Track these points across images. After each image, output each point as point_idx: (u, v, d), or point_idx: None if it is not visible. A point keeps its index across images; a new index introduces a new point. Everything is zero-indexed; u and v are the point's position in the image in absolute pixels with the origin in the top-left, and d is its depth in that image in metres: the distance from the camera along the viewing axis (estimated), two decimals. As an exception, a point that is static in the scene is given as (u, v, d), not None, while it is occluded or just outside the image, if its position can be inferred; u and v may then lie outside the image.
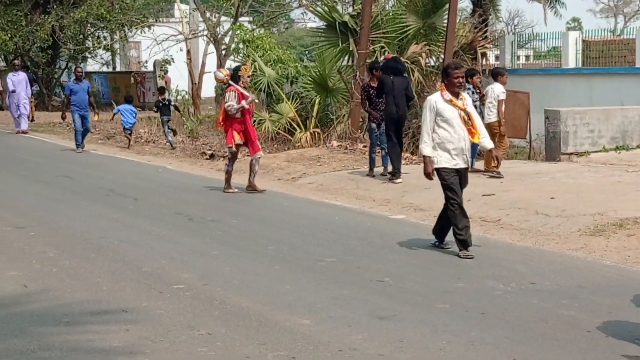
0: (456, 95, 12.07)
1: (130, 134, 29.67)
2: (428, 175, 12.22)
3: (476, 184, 17.51)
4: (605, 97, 27.32)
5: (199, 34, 37.78)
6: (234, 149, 18.61)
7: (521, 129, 24.02)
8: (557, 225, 14.25)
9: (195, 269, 11.59)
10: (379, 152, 20.51)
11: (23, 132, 32.88)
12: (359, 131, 25.10)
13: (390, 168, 19.51)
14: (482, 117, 18.11)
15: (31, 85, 35.78)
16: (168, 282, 10.83)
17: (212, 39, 35.68)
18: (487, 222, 14.95)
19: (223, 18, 36.43)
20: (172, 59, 40.11)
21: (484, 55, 28.75)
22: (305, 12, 36.97)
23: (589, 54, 34.84)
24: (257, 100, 19.94)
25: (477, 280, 10.99)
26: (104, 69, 52.04)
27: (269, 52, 29.77)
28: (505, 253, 12.78)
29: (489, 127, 17.29)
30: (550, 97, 27.30)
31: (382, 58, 20.95)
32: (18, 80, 33.82)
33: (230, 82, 18.40)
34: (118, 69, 53.49)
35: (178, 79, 42.66)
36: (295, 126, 26.15)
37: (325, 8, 29.44)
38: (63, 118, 29.95)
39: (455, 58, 25.33)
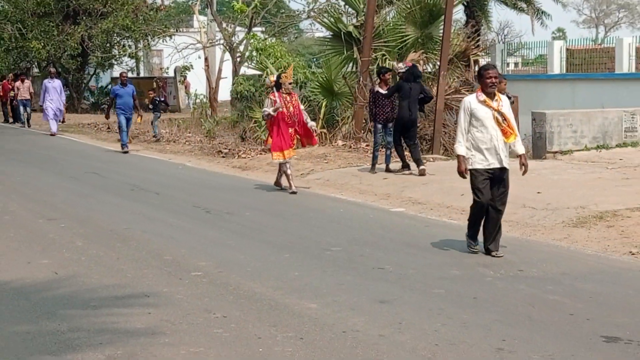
0: (491, 96, 11.36)
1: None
2: (462, 174, 11.53)
3: (468, 181, 17.51)
4: (587, 100, 27.32)
5: (216, 43, 37.73)
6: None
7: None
8: (543, 218, 14.23)
9: (211, 257, 11.59)
10: (382, 151, 20.50)
11: (52, 134, 32.65)
12: (362, 131, 25.10)
13: (392, 165, 19.71)
14: None
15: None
16: (187, 269, 10.84)
17: (228, 48, 35.62)
18: (479, 215, 14.94)
19: (238, 28, 36.40)
20: (192, 65, 40.18)
21: (476, 62, 28.69)
22: (313, 22, 36.91)
23: (572, 61, 34.81)
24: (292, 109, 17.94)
25: (470, 268, 10.98)
26: (129, 74, 51.89)
27: (280, 59, 29.73)
28: (496, 243, 12.77)
29: None
30: (537, 101, 27.27)
31: (401, 64, 20.76)
32: (53, 87, 33.54)
33: (274, 89, 17.95)
34: (142, 74, 53.52)
35: (197, 84, 42.76)
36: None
37: (332, 19, 29.45)
38: (107, 118, 29.61)
39: (450, 65, 25.33)
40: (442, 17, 25.34)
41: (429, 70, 27.14)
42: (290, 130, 17.64)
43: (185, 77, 44.20)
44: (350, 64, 27.76)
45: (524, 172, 11.63)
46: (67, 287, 10.02)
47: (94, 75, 50.22)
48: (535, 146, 21.72)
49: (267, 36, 35.30)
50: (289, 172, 17.77)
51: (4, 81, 41.00)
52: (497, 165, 11.35)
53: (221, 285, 10.04)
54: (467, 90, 28.12)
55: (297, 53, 33.65)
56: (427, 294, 9.66)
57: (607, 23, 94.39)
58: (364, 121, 25.34)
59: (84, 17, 44.00)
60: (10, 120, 40.18)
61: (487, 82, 11.27)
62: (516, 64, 48.58)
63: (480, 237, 11.79)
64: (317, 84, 27.31)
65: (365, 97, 25.05)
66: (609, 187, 16.13)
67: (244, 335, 8.02)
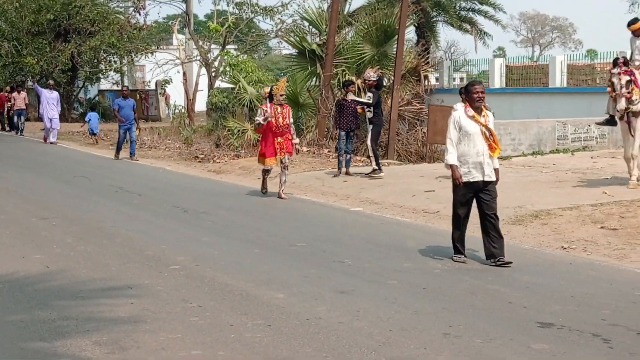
0: (478, 111, 10.72)
1: (95, 135, 33.16)
2: (456, 180, 10.66)
3: (419, 182, 17.58)
4: (524, 111, 27.47)
5: (193, 59, 37.69)
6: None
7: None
8: (485, 216, 14.29)
9: (188, 252, 11.54)
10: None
11: (52, 143, 31.93)
12: (325, 139, 25.12)
13: (349, 169, 19.65)
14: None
15: None
16: (166, 263, 10.78)
17: (204, 63, 35.57)
18: (428, 214, 14.98)
19: (213, 46, 36.37)
20: (171, 79, 40.10)
21: (426, 77, 28.87)
22: (280, 41, 36.83)
23: (511, 76, 35.02)
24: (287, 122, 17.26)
25: (421, 261, 11.00)
26: (115, 87, 51.86)
27: (250, 74, 29.73)
28: (443, 239, 12.75)
29: None
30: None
31: (373, 73, 20.46)
32: (52, 98, 33.06)
33: (266, 99, 17.38)
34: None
35: (176, 96, 42.70)
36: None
37: (297, 38, 29.50)
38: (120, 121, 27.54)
39: (402, 80, 25.44)
40: (396, 36, 25.45)
41: (384, 84, 27.20)
42: (279, 139, 16.97)
43: (165, 90, 44.08)
44: (314, 79, 27.81)
45: (495, 184, 11.10)
46: (58, 279, 9.95)
47: (83, 88, 50.01)
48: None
49: (239, 53, 35.30)
50: (267, 177, 17.48)
51: (1, 93, 40.72)
52: (481, 179, 10.70)
53: (197, 277, 10.00)
54: (418, 102, 28.28)
55: (267, 68, 33.69)
56: (382, 284, 9.66)
57: (542, 43, 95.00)
58: (326, 129, 25.37)
59: (74, 36, 43.85)
60: (7, 128, 39.81)
61: (474, 97, 10.70)
62: (461, 79, 48.73)
63: (473, 245, 11.34)
64: (285, 95, 27.26)
65: (327, 108, 25.12)
66: (544, 189, 16.23)
67: (218, 323, 8.00)
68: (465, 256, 10.99)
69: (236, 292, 9.26)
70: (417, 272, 10.37)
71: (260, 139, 17.68)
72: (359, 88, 23.80)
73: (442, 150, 24.43)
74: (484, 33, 40.20)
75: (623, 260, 11.09)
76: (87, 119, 34.31)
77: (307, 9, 30.75)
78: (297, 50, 29.19)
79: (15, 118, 37.70)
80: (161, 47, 43.90)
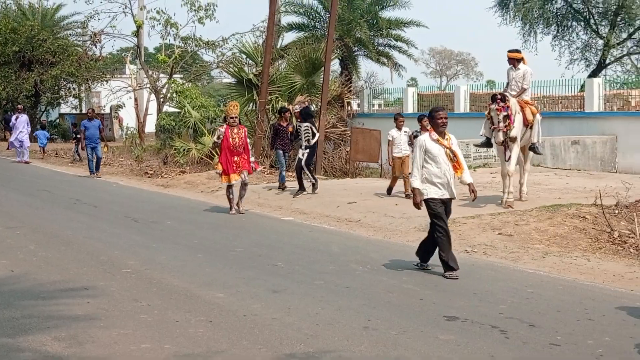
0: (442, 135, 10.28)
1: (43, 150, 33.81)
2: (417, 205, 10.41)
3: (343, 195, 17.63)
4: (434, 133, 27.69)
5: (144, 87, 37.30)
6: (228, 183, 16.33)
7: (374, 155, 24.29)
8: (400, 224, 14.39)
9: (139, 257, 11.43)
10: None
11: (26, 162, 30.86)
12: (260, 157, 25.08)
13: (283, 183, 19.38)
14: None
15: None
16: (119, 267, 10.66)
17: (153, 90, 35.28)
18: (351, 222, 15.03)
19: (161, 75, 36.09)
20: (124, 104, 39.86)
21: (349, 103, 29.11)
22: (221, 71, 36.76)
23: (422, 103, 35.35)
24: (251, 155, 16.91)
25: (344, 264, 11.03)
26: (73, 111, 51.31)
27: (195, 100, 29.59)
28: (364, 244, 12.85)
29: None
30: (395, 134, 27.56)
31: (297, 106, 20.43)
32: (20, 121, 31.88)
33: (224, 121, 16.88)
34: (84, 111, 52.67)
35: (128, 119, 42.33)
36: (214, 153, 26.03)
37: (236, 69, 29.49)
38: (83, 149, 27.26)
39: (328, 106, 25.55)
40: (322, 68, 25.59)
41: (313, 109, 27.29)
42: (236, 158, 16.08)
43: (119, 114, 43.74)
44: (251, 104, 27.80)
45: (474, 198, 10.83)
46: (21, 282, 9.78)
47: (45, 112, 49.38)
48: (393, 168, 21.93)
49: (184, 81, 35.10)
50: (231, 195, 16.35)
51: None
52: (448, 196, 10.33)
53: (146, 279, 9.91)
54: (342, 125, 28.43)
55: (209, 95, 33.54)
56: (310, 285, 9.67)
57: (449, 74, 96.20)
58: (262, 149, 25.36)
59: (37, 65, 43.49)
60: None
61: (438, 122, 10.28)
62: (380, 105, 49.09)
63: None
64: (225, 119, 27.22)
65: (262, 130, 25.13)
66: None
67: (165, 320, 7.93)
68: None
69: (181, 292, 9.19)
70: (340, 273, 10.40)
71: (219, 159, 16.58)
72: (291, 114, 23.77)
73: (363, 166, 24.64)
74: (399, 66, 40.52)
75: (517, 262, 11.25)
76: (34, 134, 35.04)
77: (244, 44, 30.79)
78: (236, 79, 29.18)
79: None
80: (115, 76, 43.55)
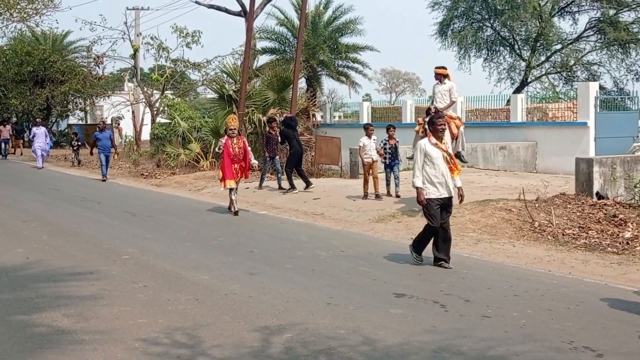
0: (440, 139, 9.84)
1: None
2: (421, 203, 9.77)
3: (309, 193, 17.62)
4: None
5: (140, 101, 37.01)
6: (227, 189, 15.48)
7: (335, 159, 24.28)
8: (357, 216, 14.43)
9: (136, 246, 11.34)
10: (270, 176, 20.45)
11: (39, 168, 29.60)
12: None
13: (281, 184, 18.86)
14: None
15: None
16: (119, 254, 10.58)
17: (148, 104, 35.05)
18: (315, 215, 15.04)
19: (155, 91, 35.84)
20: (123, 116, 39.56)
21: (314, 115, 29.03)
22: (205, 88, 36.60)
23: (375, 115, 35.38)
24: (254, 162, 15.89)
25: (310, 250, 11.03)
26: (80, 122, 50.85)
27: (183, 112, 29.44)
28: (326, 234, 12.86)
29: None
30: (353, 141, 27.43)
31: (282, 117, 20.54)
32: (39, 132, 30.94)
33: (225, 134, 15.88)
34: (89, 122, 52.19)
35: (127, 129, 41.92)
36: (200, 157, 25.91)
37: (218, 86, 29.34)
38: (91, 154, 26.08)
39: (297, 117, 25.47)
40: (291, 85, 25.55)
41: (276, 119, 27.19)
42: (236, 166, 15.26)
43: (119, 124, 43.36)
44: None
45: (461, 201, 10.22)
46: (35, 267, 9.67)
47: (55, 123, 48.89)
48: (352, 170, 21.97)
49: (174, 97, 34.86)
50: (233, 197, 15.36)
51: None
52: (446, 195, 9.77)
53: (143, 265, 9.84)
54: (308, 134, 28.39)
55: (195, 108, 33.26)
56: (281, 268, 9.66)
57: (397, 90, 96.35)
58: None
59: (48, 83, 43.20)
60: None
61: (438, 128, 9.83)
62: (340, 117, 49.11)
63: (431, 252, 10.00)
64: (209, 128, 27.08)
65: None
66: (391, 198, 16.40)
67: (158, 298, 7.88)
68: (422, 259, 10.00)
69: (172, 275, 9.14)
70: (307, 258, 10.40)
71: (220, 167, 15.60)
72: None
73: (326, 168, 24.60)
74: (356, 83, 40.51)
75: (455, 248, 11.26)
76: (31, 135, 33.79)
77: (225, 65, 30.65)
78: (218, 95, 29.01)
79: (2, 145, 36.51)
80: (115, 92, 43.31)
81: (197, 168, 25.22)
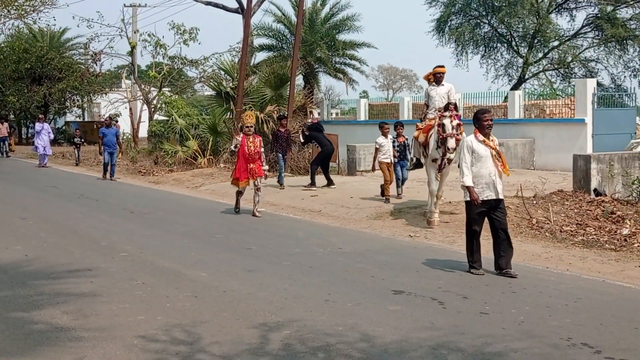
0: (487, 136, 9.14)
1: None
2: (474, 201, 8.96)
3: (295, 189, 17.62)
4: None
5: (137, 98, 37.01)
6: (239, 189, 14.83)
7: (333, 156, 24.27)
8: (354, 213, 14.43)
9: (134, 243, 11.34)
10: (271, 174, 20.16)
11: (44, 166, 28.91)
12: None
13: (282, 182, 18.56)
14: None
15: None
16: (117, 251, 10.58)
17: (145, 101, 35.01)
18: (313, 212, 15.04)
19: (152, 88, 35.80)
20: (121, 113, 39.46)
21: (311, 112, 28.93)
22: (203, 85, 36.51)
23: (372, 112, 35.41)
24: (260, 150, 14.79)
25: (308, 247, 11.04)
26: (77, 119, 50.81)
27: (180, 109, 29.40)
28: (324, 230, 12.87)
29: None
30: (350, 138, 27.59)
31: (309, 120, 20.78)
32: (43, 129, 29.86)
33: (241, 131, 15.06)
34: (86, 119, 52.14)
35: (124, 126, 41.80)
36: (198, 155, 25.89)
37: (215, 83, 29.26)
38: (101, 154, 24.91)
39: (294, 114, 25.42)
40: (289, 82, 25.51)
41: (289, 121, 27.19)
42: (251, 165, 14.47)
43: (117, 121, 43.28)
44: (228, 113, 27.59)
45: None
46: (34, 265, 9.67)
47: (53, 120, 48.82)
48: (349, 167, 22.02)
49: (172, 94, 34.82)
50: (239, 198, 14.90)
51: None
52: (494, 197, 9.02)
53: (140, 262, 9.84)
54: (306, 130, 28.35)
55: (193, 105, 33.21)
56: (279, 265, 9.66)
57: (394, 87, 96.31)
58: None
59: (46, 80, 43.15)
60: None
61: (484, 124, 9.11)
62: (337, 114, 49.10)
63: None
64: (206, 126, 27.06)
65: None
66: (382, 190, 16.42)
67: (156, 295, 7.89)
68: (482, 268, 9.20)
69: (170, 272, 9.14)
70: (305, 255, 10.41)
71: (235, 165, 15.08)
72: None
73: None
74: (353, 80, 40.52)
75: (453, 245, 11.34)
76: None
77: (222, 62, 30.64)
78: (215, 92, 28.96)
79: (1, 143, 36.32)
80: (113, 89, 43.28)
81: (195, 165, 25.20)
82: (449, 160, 12.62)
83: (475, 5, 38.36)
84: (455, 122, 12.16)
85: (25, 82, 43.33)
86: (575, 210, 13.07)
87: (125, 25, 36.85)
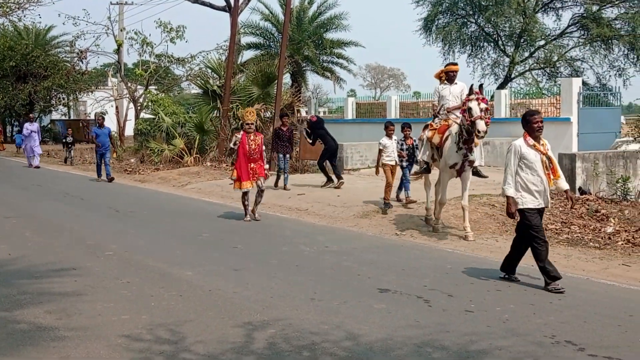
0: (537, 140, 8.34)
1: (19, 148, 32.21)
2: (512, 215, 8.37)
3: (293, 188, 17.61)
4: (370, 136, 27.86)
5: (124, 96, 36.85)
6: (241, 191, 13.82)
7: (318, 154, 24.27)
8: (341, 212, 14.42)
9: (120, 242, 11.29)
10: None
11: (36, 167, 28.13)
12: (223, 156, 24.90)
13: (278, 183, 18.16)
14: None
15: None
16: (102, 250, 10.52)
17: (131, 99, 34.89)
18: (300, 210, 15.03)
19: (139, 86, 35.66)
20: (107, 111, 39.21)
21: (298, 111, 28.93)
22: (190, 83, 36.44)
23: (360, 110, 35.46)
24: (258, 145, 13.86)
25: (294, 246, 11.03)
26: (63, 117, 50.53)
27: (167, 107, 29.35)
28: (311, 229, 12.86)
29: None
30: (337, 136, 27.49)
31: (308, 118, 20.06)
32: (32, 129, 29.04)
33: (241, 129, 14.23)
34: (72, 117, 51.90)
35: (110, 124, 41.65)
36: (184, 153, 25.80)
37: (202, 81, 29.23)
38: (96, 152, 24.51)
39: (281, 112, 25.43)
40: (276, 81, 25.48)
41: (268, 115, 27.14)
42: (252, 165, 13.65)
43: (103, 119, 43.14)
44: (215, 111, 27.55)
45: (572, 206, 8.36)
46: (18, 264, 9.60)
47: (38, 118, 48.57)
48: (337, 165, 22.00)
49: (158, 92, 34.72)
50: (246, 202, 13.85)
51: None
52: (543, 205, 8.38)
53: (126, 261, 9.79)
54: (293, 129, 28.33)
55: (180, 104, 33.15)
56: (265, 263, 9.64)
57: (382, 86, 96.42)
58: (224, 149, 25.22)
59: (31, 78, 42.90)
60: None
61: (534, 126, 8.34)
62: (324, 112, 49.12)
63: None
64: (193, 124, 26.99)
65: (225, 133, 24.96)
66: (383, 192, 16.41)
67: (142, 294, 7.85)
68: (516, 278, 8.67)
69: (156, 271, 9.10)
70: (291, 253, 10.39)
71: (235, 165, 14.18)
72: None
73: (310, 164, 24.57)
74: (340, 79, 40.66)
75: (439, 243, 11.37)
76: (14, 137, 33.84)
77: (209, 60, 30.57)
78: (202, 90, 28.90)
79: None
80: (99, 87, 43.09)
81: (181, 164, 25.13)
82: (471, 163, 11.61)
83: (462, 5, 38.49)
84: (483, 105, 10.93)
85: (10, 80, 43.03)
86: (560, 209, 13.13)
87: (111, 23, 36.71)
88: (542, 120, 8.43)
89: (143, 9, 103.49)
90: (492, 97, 29.19)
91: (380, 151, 14.93)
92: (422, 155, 12.55)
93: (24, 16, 39.20)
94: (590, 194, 14.31)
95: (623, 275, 9.21)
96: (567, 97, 23.88)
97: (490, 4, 36.00)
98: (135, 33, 34.64)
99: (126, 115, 35.75)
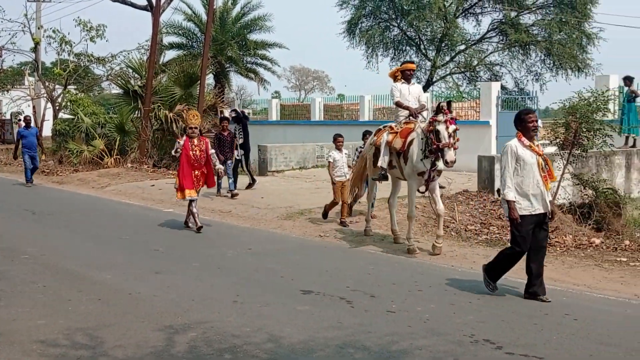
0: (532, 140, 7.94)
1: None
2: (514, 220, 7.74)
3: (214, 189, 17.46)
4: (294, 138, 27.92)
5: (41, 96, 35.87)
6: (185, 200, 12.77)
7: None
8: (265, 214, 14.39)
9: (36, 245, 10.99)
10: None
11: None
12: (145, 158, 24.52)
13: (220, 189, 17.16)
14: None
15: None
16: (18, 253, 10.23)
17: (49, 99, 34.00)
18: (223, 213, 14.92)
19: (57, 86, 34.77)
20: (23, 111, 38.17)
21: (222, 112, 28.70)
22: (110, 83, 35.69)
23: (284, 112, 35.44)
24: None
25: (217, 248, 10.95)
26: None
27: (87, 107, 28.72)
28: (235, 231, 12.79)
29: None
30: (262, 138, 27.51)
31: (229, 110, 19.24)
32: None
33: (184, 134, 13.41)
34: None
35: (27, 124, 40.62)
36: (104, 154, 25.27)
37: (123, 81, 28.69)
38: (15, 158, 23.82)
39: (204, 114, 25.16)
40: (199, 81, 25.27)
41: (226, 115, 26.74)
42: (196, 172, 12.67)
43: (19, 119, 41.89)
44: (136, 112, 27.05)
45: (552, 218, 7.92)
46: None
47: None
48: (260, 167, 21.94)
49: (78, 92, 33.90)
50: (194, 210, 12.62)
51: None
52: (542, 211, 7.84)
53: (43, 264, 9.54)
54: (216, 130, 28.13)
55: (100, 104, 32.41)
56: (188, 266, 9.55)
57: (306, 88, 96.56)
58: (146, 150, 24.84)
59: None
60: None
61: (529, 126, 7.88)
62: (248, 114, 48.91)
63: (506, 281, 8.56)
64: (114, 125, 26.47)
65: (146, 134, 24.60)
66: (307, 194, 16.53)
67: (59, 299, 7.66)
68: (497, 288, 8.21)
69: (74, 274, 8.90)
70: (214, 256, 10.32)
71: (177, 172, 13.11)
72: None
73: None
74: (265, 80, 40.42)
75: (361, 245, 11.46)
76: None
77: (131, 59, 30.01)
78: (123, 90, 28.35)
79: None
80: (15, 86, 41.77)
81: (101, 165, 24.62)
82: (439, 172, 10.78)
83: (385, 9, 38.91)
84: (452, 127, 10.10)
85: None
86: (480, 210, 13.43)
87: (28, 20, 35.73)
88: (537, 120, 8.13)
89: (62, 7, 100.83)
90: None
91: (329, 165, 13.43)
92: (380, 161, 11.18)
93: None
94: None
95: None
96: (487, 100, 24.42)
97: (412, 8, 36.50)
98: (54, 31, 33.78)
99: (44, 115, 34.84)
